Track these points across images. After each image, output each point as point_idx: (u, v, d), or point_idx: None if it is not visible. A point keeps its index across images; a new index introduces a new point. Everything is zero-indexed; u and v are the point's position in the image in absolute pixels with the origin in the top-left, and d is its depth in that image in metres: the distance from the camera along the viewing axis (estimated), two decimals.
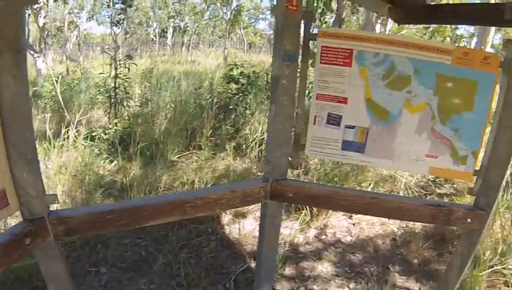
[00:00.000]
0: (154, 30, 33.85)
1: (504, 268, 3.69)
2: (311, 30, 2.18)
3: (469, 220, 2.23)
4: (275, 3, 2.16)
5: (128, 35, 30.59)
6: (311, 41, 2.18)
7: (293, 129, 2.30)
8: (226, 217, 4.27)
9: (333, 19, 8.18)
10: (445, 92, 2.14)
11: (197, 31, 34.80)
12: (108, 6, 9.24)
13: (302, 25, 2.14)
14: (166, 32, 33.53)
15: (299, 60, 2.17)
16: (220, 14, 24.89)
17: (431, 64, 2.10)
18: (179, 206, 2.06)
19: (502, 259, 3.76)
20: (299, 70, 2.26)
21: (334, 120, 2.19)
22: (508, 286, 3.59)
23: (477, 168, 2.24)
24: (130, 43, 29.73)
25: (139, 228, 3.78)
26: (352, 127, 2.19)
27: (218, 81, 9.66)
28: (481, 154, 2.24)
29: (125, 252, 3.64)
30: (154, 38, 32.84)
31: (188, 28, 33.75)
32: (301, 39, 2.16)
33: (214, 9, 29.67)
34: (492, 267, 3.66)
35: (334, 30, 2.20)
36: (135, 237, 3.83)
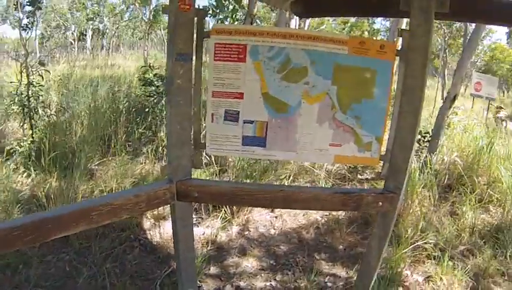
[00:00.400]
0: (72, 33, 32.40)
1: (425, 243, 3.89)
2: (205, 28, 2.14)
3: (380, 203, 2.30)
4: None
5: (45, 40, 29.12)
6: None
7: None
8: (147, 222, 4.16)
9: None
10: (344, 82, 2.18)
11: (116, 33, 33.74)
12: (15, 8, 8.65)
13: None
14: (86, 35, 32.24)
15: (193, 58, 2.12)
16: (140, 15, 24.19)
17: (327, 55, 2.13)
18: (84, 215, 1.95)
19: (423, 235, 3.96)
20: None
21: (231, 116, 2.17)
22: (431, 259, 3.78)
23: (383, 153, 2.31)
24: (48, 48, 28.30)
25: (61, 242, 3.63)
26: (251, 122, 2.18)
27: (136, 84, 9.42)
28: (386, 139, 2.31)
29: (49, 269, 3.44)
30: (73, 42, 31.44)
31: (108, 31, 32.65)
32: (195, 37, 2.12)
33: (134, 10, 28.89)
34: (414, 243, 3.85)
35: (227, 26, 2.18)
36: (58, 252, 3.63)
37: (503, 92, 33.95)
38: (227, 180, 4.98)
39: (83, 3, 30.57)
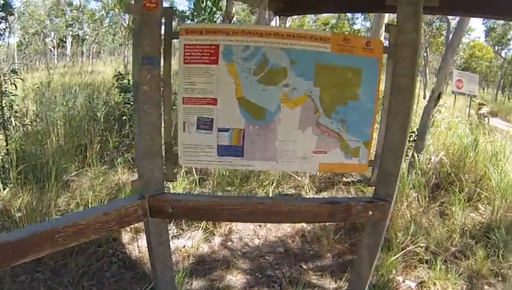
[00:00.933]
0: (52, 40, 31.95)
1: (417, 247, 3.79)
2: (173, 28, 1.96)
3: (370, 212, 2.17)
4: None
5: (23, 47, 28.64)
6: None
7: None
8: (125, 235, 3.95)
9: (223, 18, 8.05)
10: (327, 83, 2.02)
11: (96, 40, 33.35)
12: None
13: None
14: (65, 41, 31.83)
15: (162, 61, 1.93)
16: (120, 20, 23.91)
17: (309, 54, 1.97)
18: (48, 238, 1.78)
19: (413, 238, 3.85)
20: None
21: (205, 124, 1.99)
22: (423, 263, 3.68)
23: (372, 158, 2.18)
24: (27, 55, 27.85)
25: (35, 260, 3.39)
26: (226, 130, 2.01)
27: (114, 91, 9.20)
28: (374, 144, 2.18)
29: None
30: (53, 49, 31.00)
31: (87, 37, 32.27)
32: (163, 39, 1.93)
33: (113, 15, 28.60)
34: (405, 248, 3.74)
35: (197, 25, 1.98)
36: (32, 271, 3.42)
37: (483, 89, 34.56)
38: (208, 188, 4.82)
39: (62, 10, 30.22)
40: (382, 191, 2.18)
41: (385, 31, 2.06)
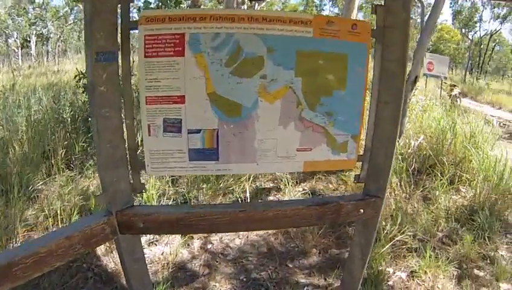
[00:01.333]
0: (15, 40, 31.02)
1: (404, 236, 3.71)
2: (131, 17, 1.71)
3: (361, 210, 2.03)
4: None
5: None
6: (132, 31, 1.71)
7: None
8: (101, 247, 3.69)
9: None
10: (310, 71, 1.83)
11: (61, 38, 32.54)
12: None
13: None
14: (29, 41, 30.95)
15: (119, 57, 1.68)
16: None
17: (288, 40, 1.77)
18: (5, 272, 1.53)
19: (400, 227, 3.77)
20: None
21: (172, 126, 1.76)
22: (411, 252, 3.60)
23: (361, 152, 2.03)
24: None
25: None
26: (198, 132, 1.79)
27: (81, 90, 8.83)
28: (363, 137, 2.05)
29: None
30: (16, 50, 30.08)
31: (52, 35, 31.47)
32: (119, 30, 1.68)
33: (78, 11, 27.85)
34: (393, 238, 3.65)
35: (159, 12, 1.71)
36: None
37: (452, 70, 35.40)
38: (183, 188, 4.60)
39: (24, 8, 29.42)
40: (373, 187, 2.03)
41: (372, 13, 1.86)
